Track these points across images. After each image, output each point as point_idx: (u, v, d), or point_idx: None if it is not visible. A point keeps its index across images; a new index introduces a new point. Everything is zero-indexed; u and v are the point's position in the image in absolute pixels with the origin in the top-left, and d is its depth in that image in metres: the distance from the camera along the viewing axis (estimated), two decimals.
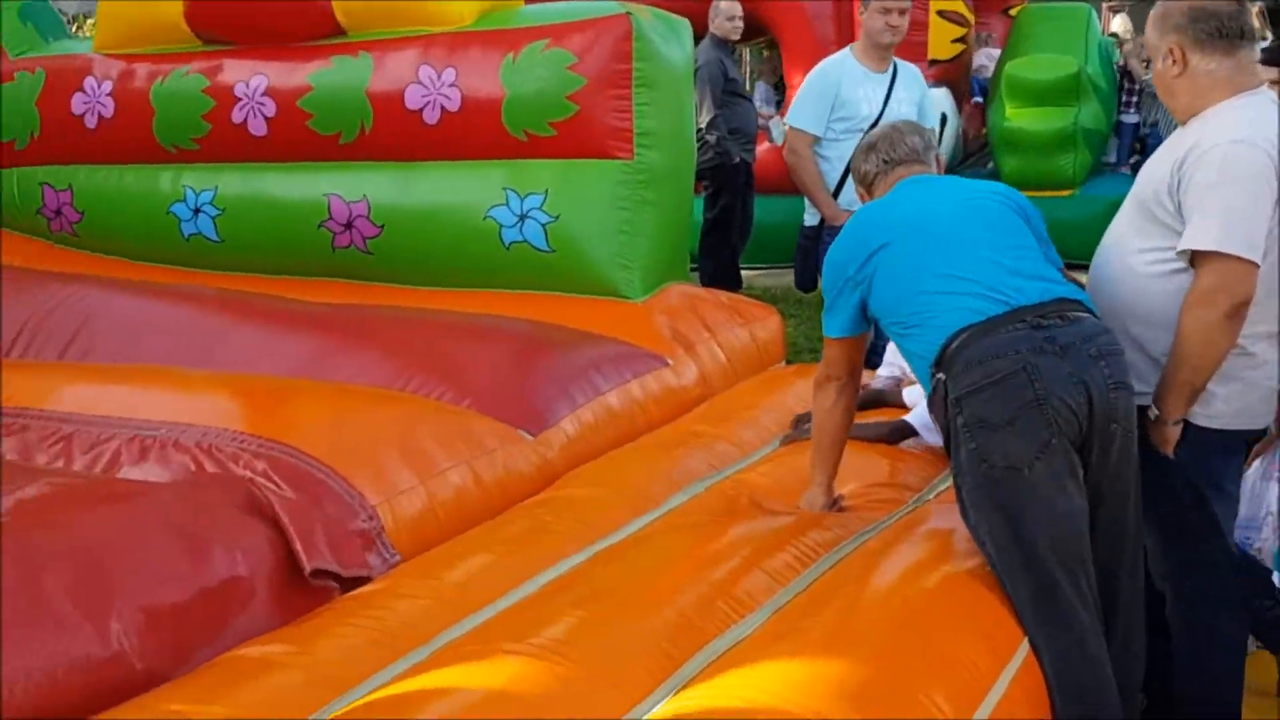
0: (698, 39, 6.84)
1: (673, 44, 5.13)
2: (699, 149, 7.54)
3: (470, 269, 5.15)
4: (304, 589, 3.06)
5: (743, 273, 8.47)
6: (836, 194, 5.57)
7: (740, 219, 8.11)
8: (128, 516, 2.95)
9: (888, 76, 5.65)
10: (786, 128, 5.78)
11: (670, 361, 4.76)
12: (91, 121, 5.74)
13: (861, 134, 5.41)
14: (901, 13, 5.61)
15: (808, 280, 5.99)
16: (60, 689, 2.51)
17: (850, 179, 5.43)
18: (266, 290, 5.34)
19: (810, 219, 5.83)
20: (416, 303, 5.09)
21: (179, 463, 3.42)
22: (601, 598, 2.90)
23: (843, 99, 5.58)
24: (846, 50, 5.81)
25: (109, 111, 5.71)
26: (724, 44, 8.06)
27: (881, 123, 5.42)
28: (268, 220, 5.47)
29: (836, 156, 5.54)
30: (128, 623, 2.70)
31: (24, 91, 5.90)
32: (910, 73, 5.81)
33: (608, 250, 4.99)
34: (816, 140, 5.61)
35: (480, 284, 5.12)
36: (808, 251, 5.81)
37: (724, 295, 5.63)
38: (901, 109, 5.57)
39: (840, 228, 3.44)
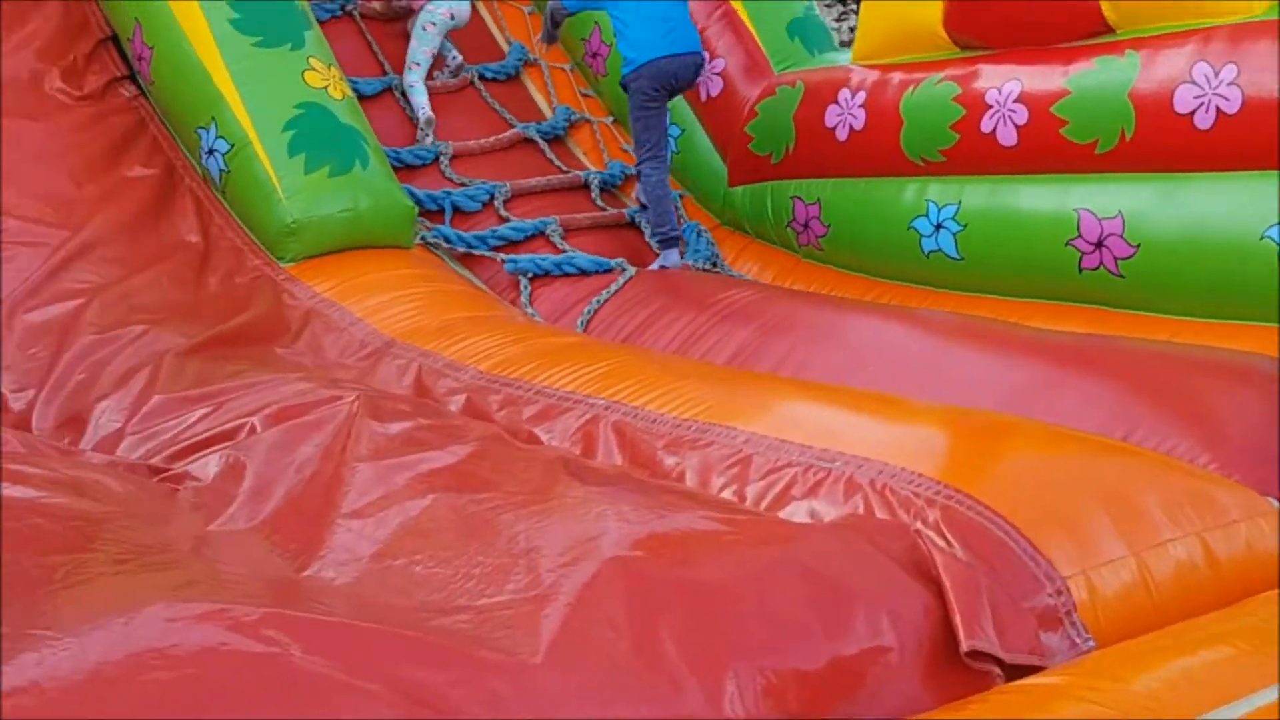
0: None
1: None
2: None
3: (1239, 297, 4.38)
4: (957, 670, 2.58)
5: None
6: None
7: None
8: (765, 561, 2.64)
9: None
10: None
11: None
12: (843, 134, 5.66)
13: None
14: None
15: None
16: None
17: None
18: (1002, 314, 4.91)
19: None
20: (1168, 334, 4.42)
21: (850, 502, 3.10)
22: None
23: None
24: None
25: (859, 123, 5.59)
26: None
27: None
28: (1010, 237, 5.08)
29: None
30: (744, 685, 2.38)
31: (783, 105, 5.97)
32: None
33: None
34: None
35: (1247, 315, 4.33)
36: None
37: None
38: None
39: None
